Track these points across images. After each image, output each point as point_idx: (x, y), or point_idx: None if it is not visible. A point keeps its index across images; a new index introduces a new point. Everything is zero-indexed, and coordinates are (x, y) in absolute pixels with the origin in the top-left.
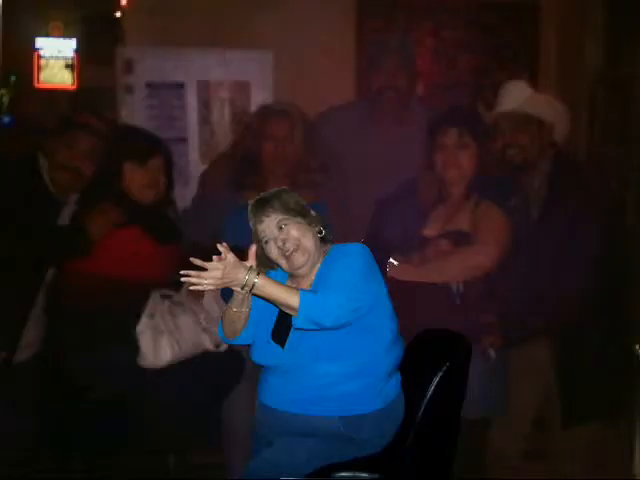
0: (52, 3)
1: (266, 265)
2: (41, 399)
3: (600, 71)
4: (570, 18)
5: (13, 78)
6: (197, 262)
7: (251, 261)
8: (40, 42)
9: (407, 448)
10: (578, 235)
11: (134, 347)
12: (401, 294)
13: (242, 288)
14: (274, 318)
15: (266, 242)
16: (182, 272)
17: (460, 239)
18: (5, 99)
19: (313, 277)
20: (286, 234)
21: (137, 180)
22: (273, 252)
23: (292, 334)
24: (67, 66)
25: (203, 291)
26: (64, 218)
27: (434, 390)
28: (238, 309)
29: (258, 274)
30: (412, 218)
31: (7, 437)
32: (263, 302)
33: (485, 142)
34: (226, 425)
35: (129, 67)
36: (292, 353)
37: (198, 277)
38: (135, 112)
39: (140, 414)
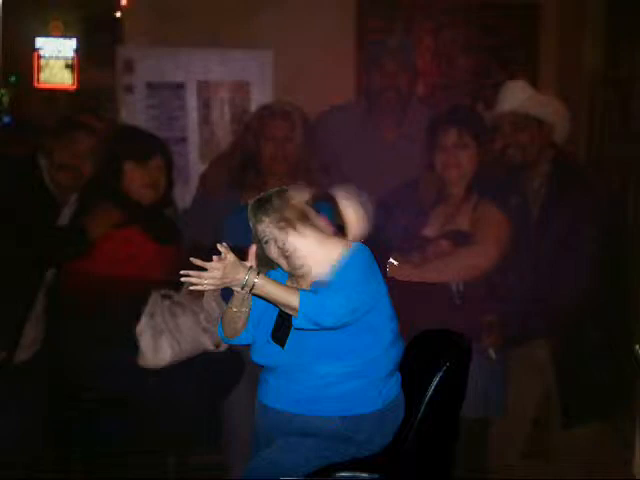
0: (52, 3)
1: (266, 265)
2: (41, 399)
3: (600, 71)
4: (570, 18)
5: (13, 78)
6: (197, 262)
7: (251, 261)
8: (40, 42)
9: (407, 448)
10: (578, 235)
11: (134, 347)
12: (401, 294)
13: (242, 288)
14: (274, 318)
15: (266, 242)
16: (182, 272)
17: (460, 239)
18: (5, 99)
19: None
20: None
21: (137, 180)
22: (273, 252)
23: (292, 334)
24: (67, 66)
25: (203, 291)
26: (64, 218)
27: (434, 390)
28: (238, 309)
29: (258, 274)
30: (412, 218)
31: (7, 437)
32: (263, 302)
33: (485, 142)
34: (226, 425)
35: (129, 67)
36: (292, 353)
37: (198, 277)
38: (135, 112)
39: (140, 414)
